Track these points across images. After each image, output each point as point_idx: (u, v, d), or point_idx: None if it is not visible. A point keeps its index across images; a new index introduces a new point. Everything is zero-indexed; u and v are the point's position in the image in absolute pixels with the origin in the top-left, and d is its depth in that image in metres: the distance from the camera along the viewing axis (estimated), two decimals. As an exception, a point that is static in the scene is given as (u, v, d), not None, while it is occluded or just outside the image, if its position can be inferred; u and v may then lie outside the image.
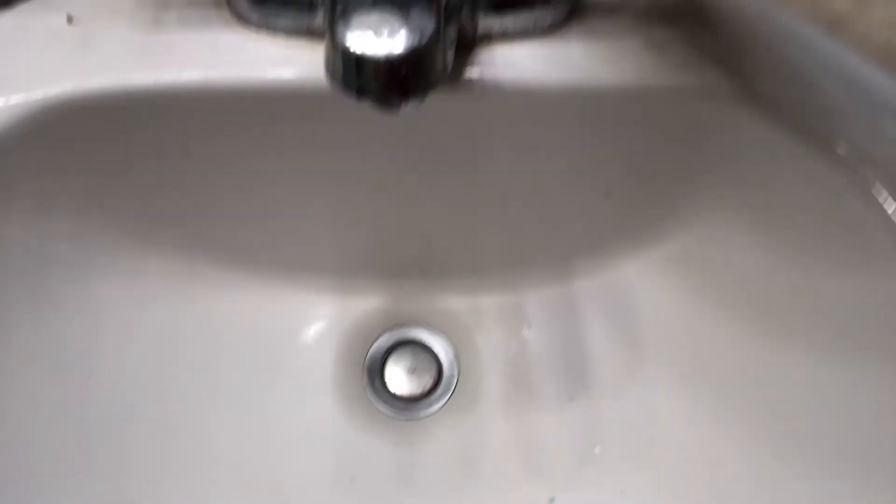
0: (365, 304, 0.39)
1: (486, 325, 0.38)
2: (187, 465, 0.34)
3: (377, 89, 0.20)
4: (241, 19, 0.30)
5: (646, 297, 0.37)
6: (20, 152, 0.29)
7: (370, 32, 0.20)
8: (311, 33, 0.30)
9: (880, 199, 0.28)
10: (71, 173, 0.31)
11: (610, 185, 0.35)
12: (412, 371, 0.37)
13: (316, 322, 0.38)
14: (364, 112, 0.30)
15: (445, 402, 0.37)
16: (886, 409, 0.28)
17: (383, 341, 0.38)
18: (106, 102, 0.29)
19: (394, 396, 0.37)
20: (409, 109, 0.22)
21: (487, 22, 0.29)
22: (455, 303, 0.39)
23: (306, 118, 0.31)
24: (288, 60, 0.30)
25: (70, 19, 0.31)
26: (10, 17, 0.31)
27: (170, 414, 0.34)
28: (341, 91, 0.20)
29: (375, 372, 0.38)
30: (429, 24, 0.20)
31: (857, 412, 0.29)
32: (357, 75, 0.20)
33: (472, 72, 0.29)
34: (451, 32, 0.26)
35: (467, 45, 0.30)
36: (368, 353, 0.38)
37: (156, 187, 0.34)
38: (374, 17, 0.20)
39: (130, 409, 0.34)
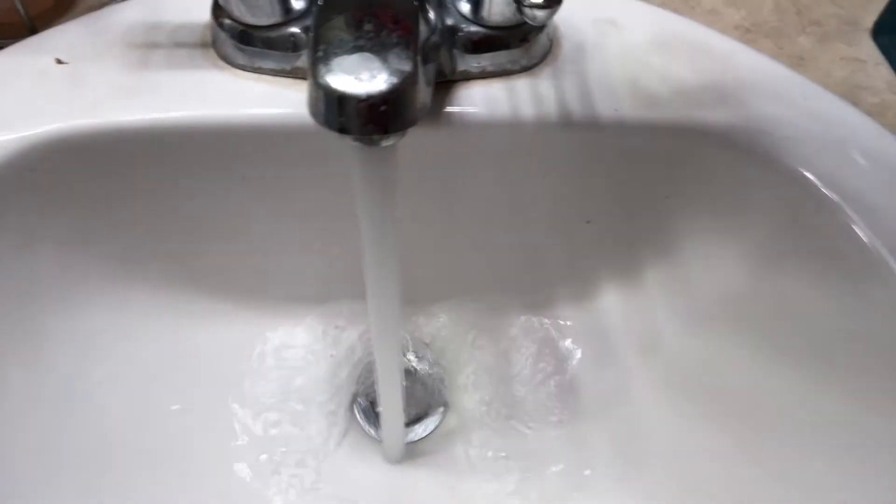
0: (352, 332, 0.39)
1: (473, 350, 0.39)
2: (173, 494, 0.34)
3: (358, 126, 0.21)
4: (227, 60, 0.31)
5: (627, 320, 0.38)
6: (7, 188, 0.30)
7: (351, 72, 0.21)
8: (294, 74, 0.31)
9: (851, 224, 0.29)
10: (57, 209, 0.32)
11: (590, 212, 0.36)
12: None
13: (303, 351, 0.39)
14: (347, 148, 0.31)
15: (436, 426, 0.37)
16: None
17: (371, 367, 0.39)
18: (93, 140, 0.30)
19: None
20: (389, 144, 0.22)
21: (466, 62, 0.31)
22: (442, 328, 0.40)
23: (291, 155, 0.32)
24: (273, 100, 0.30)
25: (59, 61, 0.31)
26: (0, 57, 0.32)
27: (155, 442, 0.34)
28: (324, 128, 0.21)
29: (364, 398, 0.38)
30: (406, 64, 0.21)
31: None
32: (338, 113, 0.21)
33: (452, 108, 0.30)
34: (430, 71, 0.27)
35: (447, 84, 0.31)
36: (357, 380, 0.38)
37: (141, 222, 0.34)
38: (354, 58, 0.21)
39: (116, 439, 0.34)
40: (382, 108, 0.21)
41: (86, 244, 0.34)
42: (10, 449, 0.30)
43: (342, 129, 0.21)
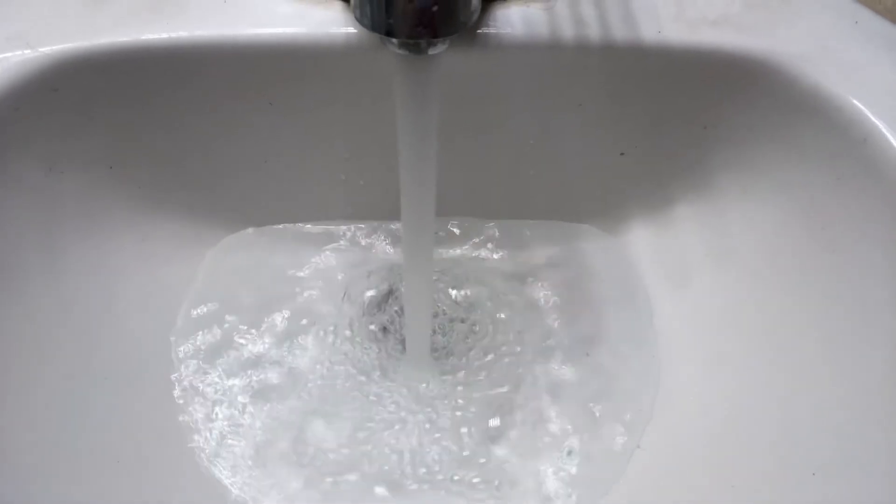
0: (375, 256, 0.39)
1: (496, 281, 0.39)
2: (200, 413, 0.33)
3: (407, 28, 0.20)
4: (254, -23, 0.30)
5: (657, 253, 0.37)
6: (30, 107, 0.29)
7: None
8: (323, -9, 0.29)
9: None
10: (82, 133, 0.31)
11: (624, 144, 0.35)
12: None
13: (331, 275, 0.38)
14: (376, 68, 0.30)
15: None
16: None
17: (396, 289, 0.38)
18: (117, 59, 0.29)
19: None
20: (436, 53, 0.21)
21: (505, -20, 0.29)
22: (468, 252, 0.39)
23: (319, 75, 0.31)
24: (301, 18, 0.30)
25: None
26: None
27: (183, 370, 0.34)
28: (370, 31, 0.20)
29: (390, 315, 0.38)
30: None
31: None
32: (387, 14, 0.20)
33: (488, 29, 0.29)
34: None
35: (483, 3, 0.30)
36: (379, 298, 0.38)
37: (167, 150, 0.33)
38: (402, -44, 0.20)
39: (145, 367, 0.33)
40: (434, 8, 0.19)
41: (110, 171, 0.33)
42: (37, 375, 0.30)
43: (389, 32, 0.20)
